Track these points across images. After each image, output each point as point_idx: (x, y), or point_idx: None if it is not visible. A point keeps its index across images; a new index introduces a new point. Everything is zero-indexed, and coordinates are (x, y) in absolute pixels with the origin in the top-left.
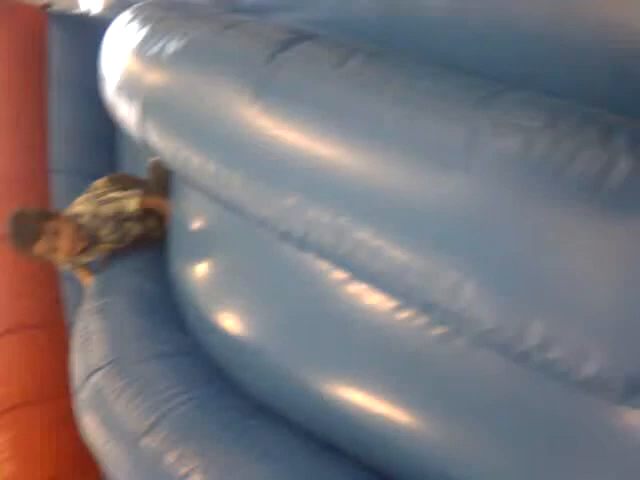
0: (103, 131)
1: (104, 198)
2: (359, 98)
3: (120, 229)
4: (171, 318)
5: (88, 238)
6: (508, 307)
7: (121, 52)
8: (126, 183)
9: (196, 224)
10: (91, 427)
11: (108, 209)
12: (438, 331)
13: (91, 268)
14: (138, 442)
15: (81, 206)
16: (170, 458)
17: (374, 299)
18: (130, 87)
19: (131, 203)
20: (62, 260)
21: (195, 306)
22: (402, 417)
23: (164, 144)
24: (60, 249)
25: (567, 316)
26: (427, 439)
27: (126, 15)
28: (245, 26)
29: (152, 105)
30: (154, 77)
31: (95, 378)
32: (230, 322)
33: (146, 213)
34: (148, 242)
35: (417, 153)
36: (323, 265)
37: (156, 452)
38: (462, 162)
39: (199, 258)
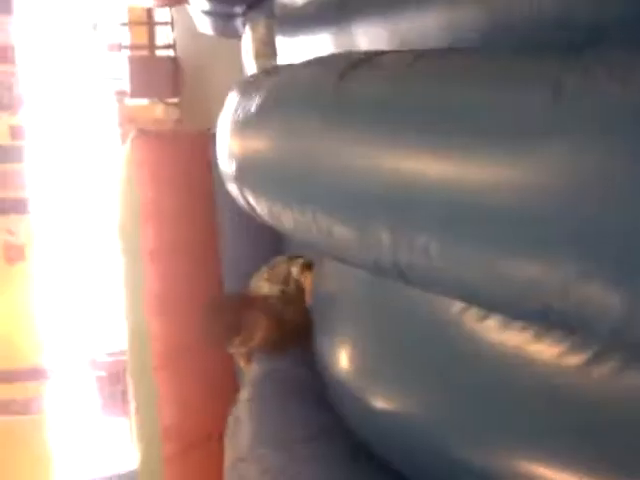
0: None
1: (283, 276)
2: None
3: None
4: (318, 400)
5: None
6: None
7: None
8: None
9: (334, 297)
10: None
11: (291, 287)
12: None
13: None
14: None
15: (266, 288)
16: None
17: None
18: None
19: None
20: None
21: (341, 384)
22: None
23: (262, 207)
24: (256, 341)
25: None
26: None
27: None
28: (316, 60)
29: (245, 169)
30: (242, 140)
31: (239, 468)
32: (379, 399)
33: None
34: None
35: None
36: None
37: None
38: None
39: (339, 332)
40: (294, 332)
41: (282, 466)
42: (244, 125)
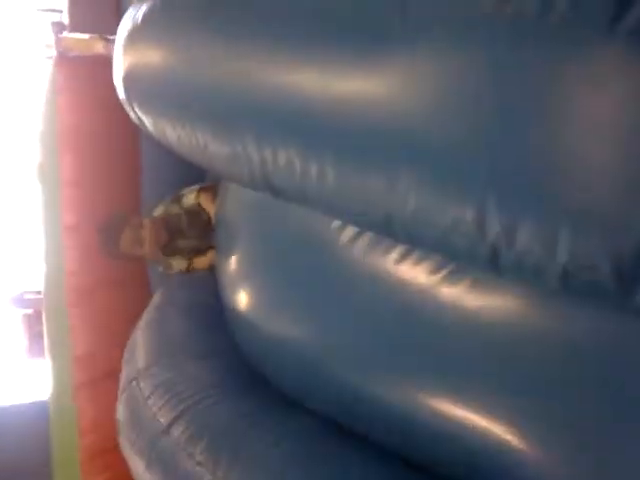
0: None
1: (171, 198)
2: None
3: (196, 221)
4: (216, 324)
5: (171, 231)
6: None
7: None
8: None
9: (229, 223)
10: (123, 438)
11: (175, 208)
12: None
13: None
14: (157, 442)
15: (157, 209)
16: (184, 454)
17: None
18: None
19: (190, 196)
20: (151, 255)
21: (235, 310)
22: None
23: (149, 121)
24: (145, 239)
25: (524, 188)
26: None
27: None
28: None
29: (131, 82)
30: (129, 52)
31: (130, 387)
32: (268, 324)
33: None
34: None
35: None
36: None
37: (173, 449)
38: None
39: (238, 254)
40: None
41: (171, 382)
42: (131, 37)
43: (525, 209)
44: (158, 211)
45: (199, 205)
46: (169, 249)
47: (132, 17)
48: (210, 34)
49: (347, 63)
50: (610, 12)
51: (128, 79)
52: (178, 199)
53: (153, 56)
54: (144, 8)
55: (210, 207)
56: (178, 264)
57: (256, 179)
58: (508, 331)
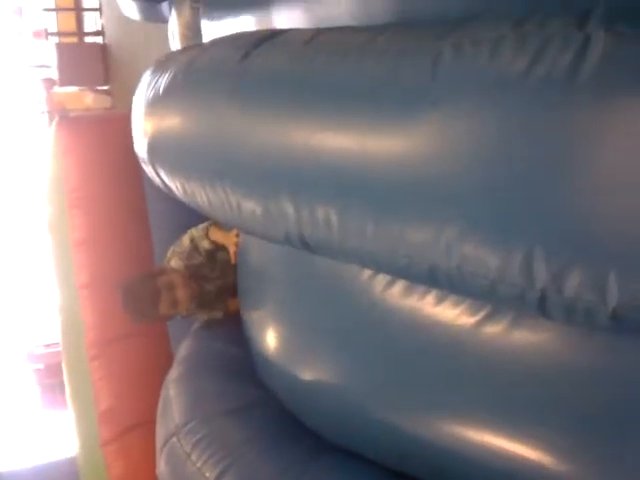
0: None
1: (186, 250)
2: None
3: (215, 262)
4: (248, 376)
5: (197, 278)
6: (503, 243)
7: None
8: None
9: (255, 271)
10: None
11: (196, 258)
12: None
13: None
14: None
15: (173, 262)
16: None
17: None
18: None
19: (204, 242)
20: (187, 312)
21: (265, 355)
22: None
23: (176, 186)
24: (180, 299)
25: (569, 238)
26: None
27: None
28: (223, 39)
29: (156, 148)
30: (152, 118)
31: (169, 444)
32: (301, 370)
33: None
34: None
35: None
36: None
37: None
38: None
39: (266, 300)
40: (223, 290)
41: (211, 437)
42: (154, 103)
43: (572, 257)
44: (174, 262)
45: (213, 243)
46: (201, 300)
47: (151, 85)
48: (240, 99)
49: (381, 124)
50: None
51: (152, 145)
52: (195, 248)
53: (179, 122)
54: (165, 76)
55: (225, 239)
56: (216, 314)
57: (292, 237)
58: (548, 366)
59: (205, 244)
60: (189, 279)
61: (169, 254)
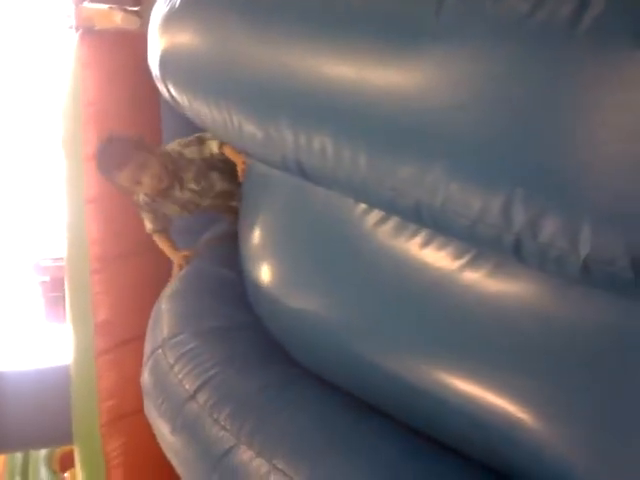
0: None
1: (191, 139)
2: None
3: (204, 178)
4: (238, 299)
5: (172, 178)
6: (487, 184)
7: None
8: None
9: (259, 192)
10: (148, 404)
11: (192, 151)
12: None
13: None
14: (183, 407)
15: (169, 146)
16: (210, 419)
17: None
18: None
19: (213, 144)
20: (141, 196)
21: (254, 280)
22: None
23: (184, 101)
24: (143, 184)
25: (550, 184)
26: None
27: None
28: None
29: (168, 63)
30: (165, 34)
31: (155, 355)
32: (289, 297)
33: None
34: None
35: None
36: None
37: (199, 414)
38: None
39: (262, 228)
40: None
41: (195, 352)
42: (168, 19)
43: (550, 204)
44: (171, 146)
45: (221, 154)
46: (164, 196)
47: (168, 0)
48: (250, 21)
49: (382, 56)
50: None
51: (164, 60)
52: (200, 141)
53: (191, 39)
54: None
55: (234, 156)
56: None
57: (288, 162)
58: (526, 315)
59: (214, 147)
60: (165, 172)
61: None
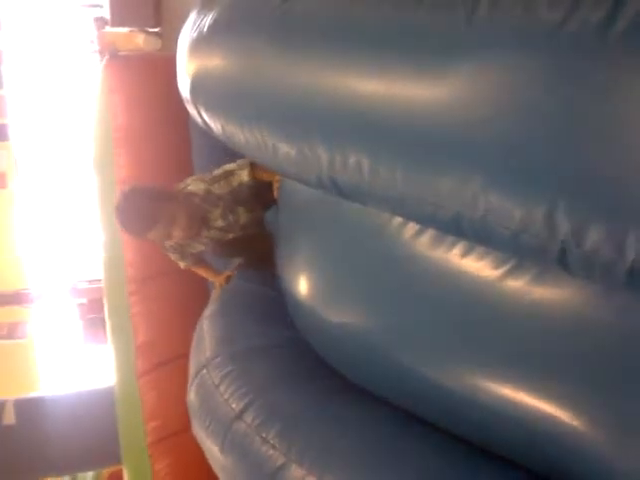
0: None
1: (217, 174)
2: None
3: (231, 213)
4: (278, 316)
5: (200, 222)
6: (528, 195)
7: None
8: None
9: (296, 207)
10: (195, 423)
11: (221, 186)
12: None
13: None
14: (230, 427)
15: (194, 185)
16: (258, 438)
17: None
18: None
19: (243, 173)
20: (171, 244)
21: (295, 295)
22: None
23: (216, 125)
24: (174, 237)
25: (592, 193)
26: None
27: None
28: None
29: (198, 87)
30: (195, 58)
31: (200, 375)
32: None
33: (256, 202)
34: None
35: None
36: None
37: (247, 433)
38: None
39: (300, 243)
40: (245, 237)
41: (237, 372)
42: (197, 43)
43: (594, 212)
44: (197, 185)
45: (254, 179)
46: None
47: (196, 24)
48: (278, 42)
49: (414, 72)
50: None
51: (195, 85)
52: (227, 174)
53: (221, 63)
54: (210, 15)
55: (268, 176)
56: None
57: (324, 180)
58: (570, 321)
59: (244, 176)
60: (194, 219)
61: (190, 180)
